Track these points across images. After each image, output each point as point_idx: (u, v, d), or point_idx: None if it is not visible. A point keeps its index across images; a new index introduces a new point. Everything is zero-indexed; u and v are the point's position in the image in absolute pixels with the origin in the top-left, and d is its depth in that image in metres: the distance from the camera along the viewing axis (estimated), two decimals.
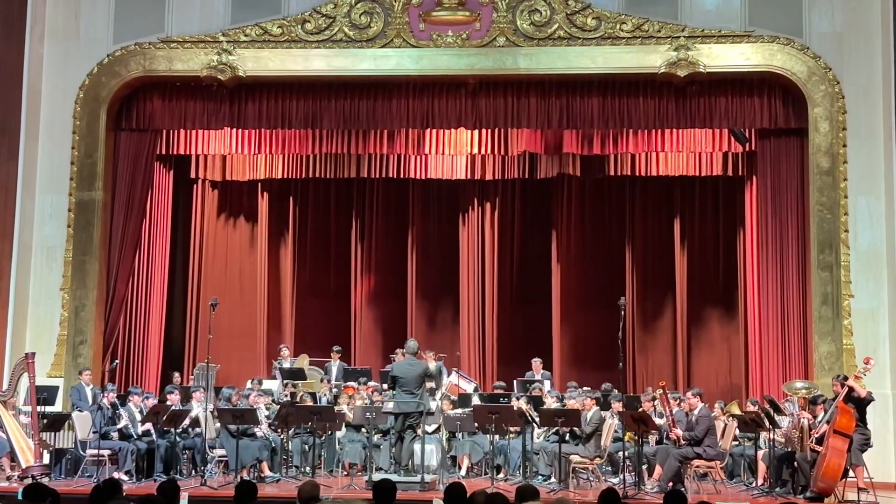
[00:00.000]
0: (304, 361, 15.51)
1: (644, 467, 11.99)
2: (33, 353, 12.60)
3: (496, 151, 15.69)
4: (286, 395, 13.94)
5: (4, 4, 14.29)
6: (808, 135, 13.71)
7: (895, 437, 12.87)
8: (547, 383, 14.58)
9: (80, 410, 12.66)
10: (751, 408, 12.84)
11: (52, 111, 14.42)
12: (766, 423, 11.59)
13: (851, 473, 11.17)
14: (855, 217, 13.54)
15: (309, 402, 13.30)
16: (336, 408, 13.06)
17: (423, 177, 16.45)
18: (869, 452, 11.40)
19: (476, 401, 13.40)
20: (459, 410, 13.21)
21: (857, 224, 13.54)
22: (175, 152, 15.44)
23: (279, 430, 12.86)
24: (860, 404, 11.31)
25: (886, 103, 13.44)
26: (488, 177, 16.44)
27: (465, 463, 12.96)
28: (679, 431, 11.66)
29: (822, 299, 13.45)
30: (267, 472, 12.29)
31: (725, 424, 12.67)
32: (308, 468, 12.70)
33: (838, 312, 13.39)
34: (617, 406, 12.63)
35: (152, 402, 12.89)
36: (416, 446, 11.84)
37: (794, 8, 13.85)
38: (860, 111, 13.60)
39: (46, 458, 12.25)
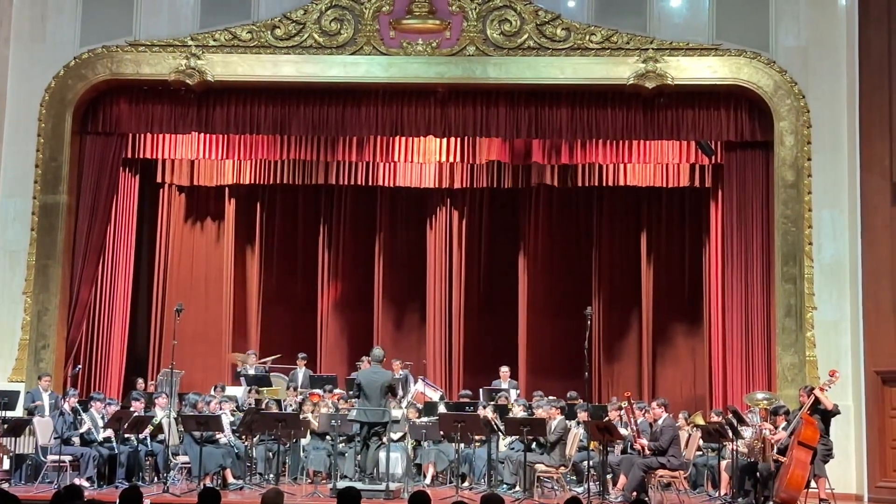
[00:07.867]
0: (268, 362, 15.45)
1: (609, 476, 12.04)
2: None
3: (465, 160, 15.73)
4: (250, 402, 13.86)
5: None
6: (773, 148, 13.85)
7: (856, 448, 12.98)
8: (514, 392, 14.58)
9: (31, 414, 12.55)
10: (715, 418, 12.94)
11: (16, 113, 14.26)
12: (730, 434, 11.68)
13: (814, 484, 11.26)
14: (819, 230, 13.67)
15: (274, 410, 13.23)
16: (301, 415, 13.00)
17: (392, 184, 16.41)
18: (830, 463, 11.51)
19: (442, 409, 13.39)
20: (425, 419, 13.20)
21: (820, 237, 13.67)
22: (141, 156, 15.33)
23: (243, 437, 12.78)
24: (826, 416, 11.40)
25: (850, 118, 13.59)
26: (456, 185, 16.45)
27: (430, 471, 12.95)
28: (644, 441, 11.72)
29: (785, 311, 13.56)
30: (230, 480, 12.22)
31: (689, 435, 12.75)
32: (272, 475, 12.64)
33: (801, 324, 13.50)
34: (582, 415, 12.67)
35: (114, 408, 12.76)
36: (381, 454, 11.81)
37: (760, 22, 14.00)
38: (825, 125, 13.74)
39: (6, 464, 12.11)
